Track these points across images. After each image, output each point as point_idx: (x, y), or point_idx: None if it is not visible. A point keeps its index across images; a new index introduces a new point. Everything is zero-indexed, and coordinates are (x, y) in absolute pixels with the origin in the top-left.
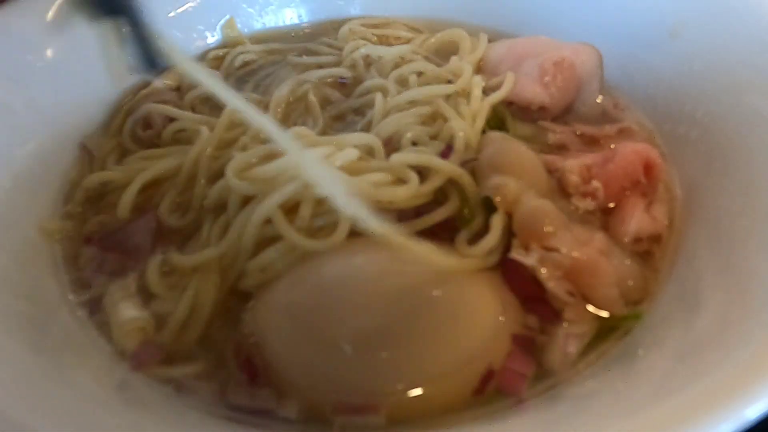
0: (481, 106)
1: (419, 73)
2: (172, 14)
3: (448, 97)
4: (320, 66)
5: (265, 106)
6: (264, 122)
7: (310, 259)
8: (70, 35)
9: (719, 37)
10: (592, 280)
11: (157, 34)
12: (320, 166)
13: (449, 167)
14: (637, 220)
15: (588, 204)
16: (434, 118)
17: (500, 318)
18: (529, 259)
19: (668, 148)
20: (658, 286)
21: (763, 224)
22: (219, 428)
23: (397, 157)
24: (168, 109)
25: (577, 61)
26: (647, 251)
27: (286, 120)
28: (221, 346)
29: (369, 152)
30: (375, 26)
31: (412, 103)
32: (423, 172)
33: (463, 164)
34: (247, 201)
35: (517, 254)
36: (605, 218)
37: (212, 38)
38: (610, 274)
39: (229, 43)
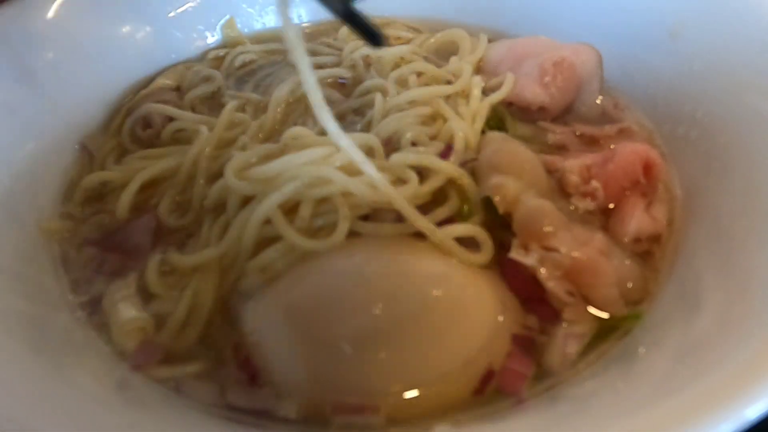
0: (480, 107)
1: (419, 74)
2: (172, 14)
3: (447, 98)
4: (320, 66)
5: (265, 106)
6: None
7: (309, 259)
8: (70, 35)
9: (719, 37)
10: (592, 280)
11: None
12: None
13: (449, 167)
14: (637, 220)
15: (588, 204)
16: (434, 118)
17: (500, 318)
18: (528, 259)
19: (668, 148)
20: (658, 286)
21: (763, 224)
22: (219, 428)
23: (396, 157)
24: (167, 109)
25: (577, 61)
26: (647, 251)
27: (286, 120)
28: (221, 346)
29: (369, 152)
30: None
31: (412, 104)
32: (423, 173)
33: (463, 164)
34: (246, 201)
35: (517, 254)
36: (605, 218)
37: (212, 38)
38: (610, 274)
39: (229, 43)
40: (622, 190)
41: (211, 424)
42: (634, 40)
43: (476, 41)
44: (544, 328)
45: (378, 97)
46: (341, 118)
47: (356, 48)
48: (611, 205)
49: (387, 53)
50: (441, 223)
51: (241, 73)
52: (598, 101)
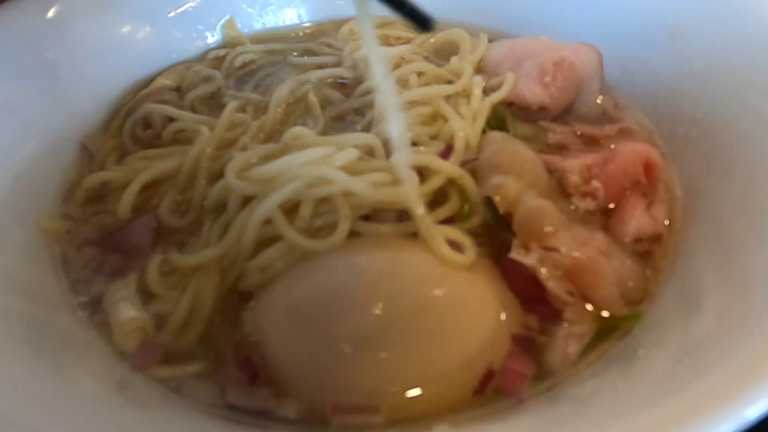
0: (481, 107)
1: (419, 74)
2: (172, 14)
3: (448, 98)
4: (320, 66)
5: (265, 107)
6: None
7: (310, 259)
8: (70, 35)
9: (719, 37)
10: (592, 280)
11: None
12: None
13: (449, 167)
14: (637, 220)
15: (588, 204)
16: (434, 118)
17: (500, 318)
18: (529, 259)
19: (668, 148)
20: (658, 286)
21: (763, 224)
22: (219, 428)
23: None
24: (168, 109)
25: (577, 61)
26: (647, 251)
27: (286, 120)
28: (221, 346)
29: (369, 152)
30: (375, 26)
31: (413, 104)
32: (423, 172)
33: (463, 164)
34: (247, 201)
35: (517, 254)
36: (605, 218)
37: (212, 38)
38: (610, 274)
39: (229, 43)
40: (622, 190)
41: (211, 424)
42: (634, 40)
43: (476, 41)
44: (544, 328)
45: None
46: (341, 118)
47: (356, 48)
48: (611, 205)
49: (387, 53)
50: (441, 223)
51: (241, 73)
52: (598, 101)
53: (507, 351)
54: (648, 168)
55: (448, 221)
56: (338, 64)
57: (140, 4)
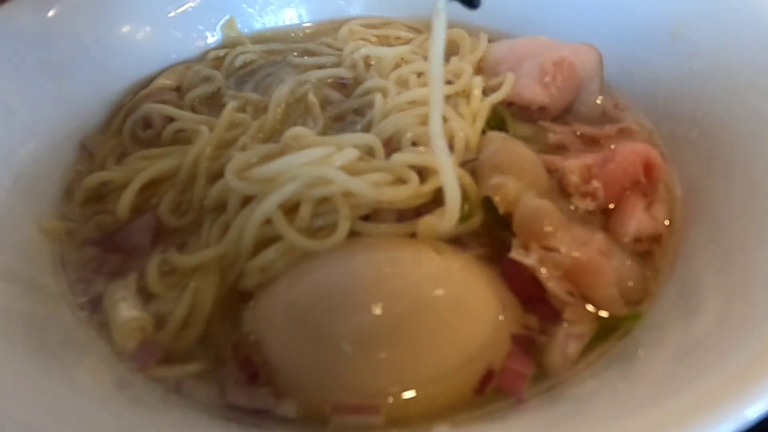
0: (481, 107)
1: (419, 74)
2: (172, 14)
3: (448, 98)
4: (320, 66)
5: (265, 107)
6: None
7: (309, 259)
8: (70, 35)
9: (719, 37)
10: (592, 280)
11: None
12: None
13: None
14: (637, 220)
15: (588, 204)
16: None
17: (500, 318)
18: (529, 259)
19: (668, 148)
20: (658, 286)
21: (762, 224)
22: (218, 428)
23: (397, 157)
24: (168, 109)
25: (577, 61)
26: (647, 251)
27: (286, 120)
28: (221, 346)
29: (369, 152)
30: (375, 26)
31: (412, 104)
32: (423, 172)
33: (463, 164)
34: (247, 201)
35: (517, 254)
36: (605, 218)
37: (212, 38)
38: (610, 274)
39: (229, 43)
40: (622, 190)
41: (210, 424)
42: (634, 40)
43: (476, 41)
44: (544, 328)
45: (378, 98)
46: (341, 118)
47: (356, 48)
48: (611, 205)
49: (387, 53)
50: None
51: (241, 73)
52: (598, 101)
53: (507, 351)
54: (648, 168)
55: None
56: (338, 64)
57: (140, 4)
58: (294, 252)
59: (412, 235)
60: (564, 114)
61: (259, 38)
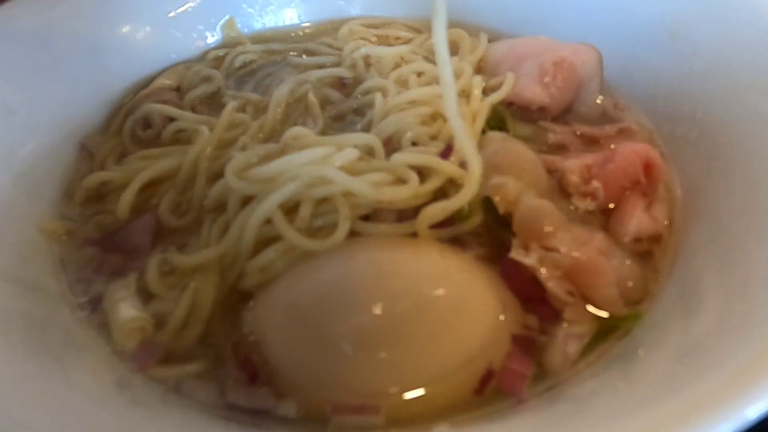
0: (481, 107)
1: (419, 74)
2: (172, 14)
3: None
4: (320, 66)
5: (265, 107)
6: None
7: (309, 259)
8: (70, 35)
9: (719, 37)
10: (592, 280)
11: None
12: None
13: (449, 167)
14: (637, 220)
15: (588, 204)
16: (434, 118)
17: (500, 318)
18: (528, 259)
19: (668, 148)
20: (658, 286)
21: (762, 224)
22: (218, 428)
23: (397, 157)
24: (168, 109)
25: (577, 61)
26: (647, 251)
27: (286, 120)
28: (221, 346)
29: (369, 152)
30: (375, 26)
31: (412, 104)
32: (423, 172)
33: (463, 164)
34: (247, 201)
35: (517, 254)
36: (605, 218)
37: (212, 38)
38: (610, 274)
39: (229, 43)
40: (622, 190)
41: (210, 424)
42: (634, 40)
43: (476, 41)
44: (544, 328)
45: (378, 97)
46: (341, 118)
47: (356, 48)
48: (611, 205)
49: (387, 53)
50: (441, 224)
51: (241, 73)
52: (598, 101)
53: (507, 351)
54: (648, 168)
55: (448, 221)
56: (338, 64)
57: (140, 4)
58: (294, 252)
59: (413, 235)
60: (564, 114)
61: (259, 38)
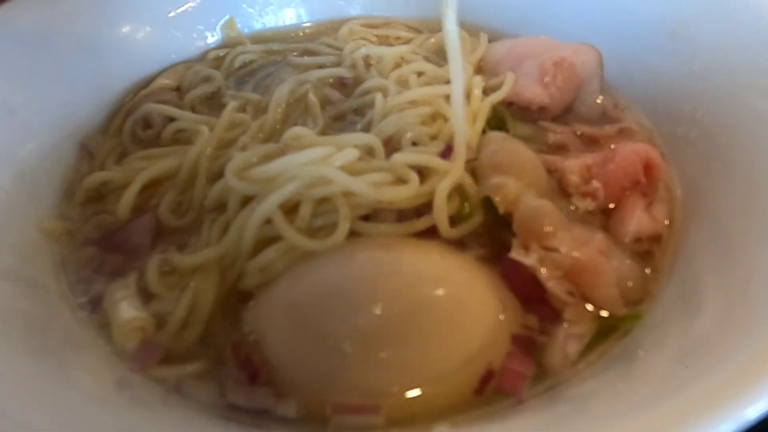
0: (481, 106)
1: (419, 74)
2: (172, 14)
3: (448, 97)
4: (320, 66)
5: (265, 107)
6: None
7: (309, 259)
8: (70, 35)
9: (719, 37)
10: (592, 280)
11: None
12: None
13: (449, 167)
14: (637, 220)
15: (588, 204)
16: (434, 118)
17: (500, 318)
18: (528, 259)
19: (668, 148)
20: (658, 286)
21: (763, 224)
22: (218, 428)
23: (397, 157)
24: (168, 109)
25: (577, 61)
26: (647, 251)
27: (286, 120)
28: (221, 346)
29: (369, 152)
30: (375, 26)
31: (413, 104)
32: (423, 172)
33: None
34: (247, 201)
35: (517, 254)
36: (605, 218)
37: (212, 38)
38: (610, 274)
39: (229, 43)
40: (622, 190)
41: (210, 424)
42: (634, 40)
43: (476, 41)
44: (544, 328)
45: (378, 97)
46: (341, 118)
47: (356, 48)
48: (611, 205)
49: (387, 53)
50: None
51: (241, 73)
52: (598, 101)
53: (507, 351)
54: (648, 168)
55: (448, 221)
56: (338, 64)
57: (140, 4)
58: (294, 252)
59: (413, 236)
60: (564, 114)
61: (259, 38)
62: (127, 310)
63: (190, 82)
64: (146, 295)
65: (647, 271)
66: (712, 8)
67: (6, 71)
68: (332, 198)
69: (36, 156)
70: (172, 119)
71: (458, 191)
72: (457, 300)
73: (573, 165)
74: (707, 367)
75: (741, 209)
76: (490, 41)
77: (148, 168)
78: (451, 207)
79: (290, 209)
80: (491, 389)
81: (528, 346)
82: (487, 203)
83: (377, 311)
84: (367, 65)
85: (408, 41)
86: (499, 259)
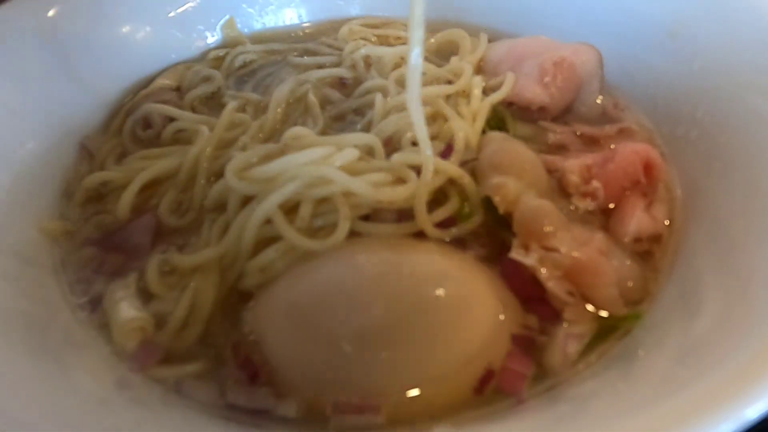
0: (481, 106)
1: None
2: (172, 14)
3: (448, 97)
4: (320, 66)
5: (265, 107)
6: None
7: (309, 259)
8: (70, 35)
9: (719, 37)
10: (592, 280)
11: None
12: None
13: (449, 167)
14: (637, 220)
15: (588, 204)
16: (434, 118)
17: (500, 318)
18: (528, 259)
19: (668, 148)
20: (658, 286)
21: (763, 224)
22: (218, 428)
23: (397, 157)
24: (168, 109)
25: (577, 61)
26: (647, 251)
27: (286, 120)
28: (221, 346)
29: (369, 152)
30: (375, 26)
31: None
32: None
33: (463, 164)
34: (247, 201)
35: (517, 254)
36: (605, 218)
37: (212, 38)
38: (610, 274)
39: (229, 43)
40: (622, 190)
41: (210, 424)
42: (634, 40)
43: (476, 41)
44: (544, 328)
45: (378, 97)
46: (341, 118)
47: (356, 48)
48: (611, 205)
49: (387, 53)
50: (441, 223)
51: (241, 73)
52: (598, 101)
53: (507, 351)
54: (648, 168)
55: (448, 221)
56: (338, 64)
57: (140, 4)
58: (294, 252)
59: (413, 235)
60: (564, 114)
61: (259, 38)
62: (127, 310)
63: (190, 82)
64: (146, 295)
65: (647, 271)
66: (712, 8)
67: (6, 71)
68: (332, 198)
69: (36, 156)
70: (172, 119)
71: (458, 191)
72: (457, 300)
73: (573, 165)
74: (707, 367)
75: (741, 209)
76: (490, 41)
77: (148, 168)
78: (452, 207)
79: (290, 209)
80: (491, 389)
81: (528, 346)
82: (487, 203)
83: (377, 311)
84: (367, 65)
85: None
86: (499, 259)
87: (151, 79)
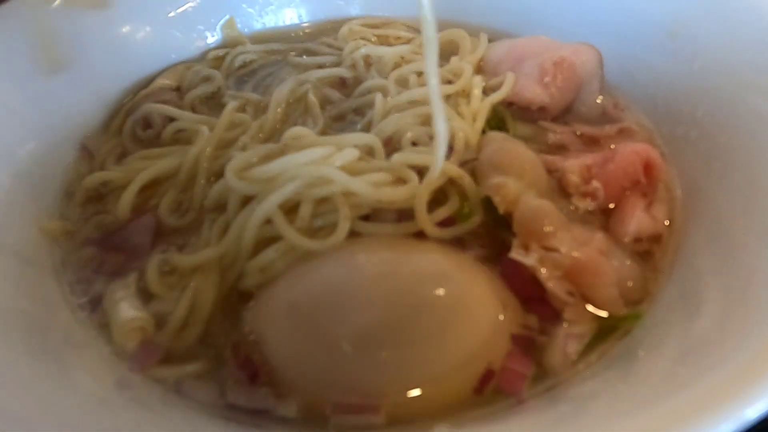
0: (481, 106)
1: (419, 74)
2: (172, 14)
3: (448, 97)
4: (320, 66)
5: (265, 107)
6: None
7: (310, 259)
8: (70, 35)
9: (719, 37)
10: (592, 280)
11: None
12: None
13: (449, 167)
14: (637, 220)
15: (588, 204)
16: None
17: (500, 317)
18: (528, 259)
19: (668, 148)
20: (658, 286)
21: (763, 224)
22: (218, 428)
23: (397, 157)
24: (168, 109)
25: (577, 61)
26: (647, 251)
27: (286, 120)
28: (221, 346)
29: (369, 152)
30: (375, 26)
31: (412, 103)
32: (423, 172)
33: (463, 164)
34: (247, 201)
35: (517, 254)
36: (605, 218)
37: (212, 38)
38: (610, 274)
39: (229, 43)
40: (622, 190)
41: (210, 424)
42: (634, 40)
43: (476, 41)
44: (544, 328)
45: (378, 97)
46: (341, 118)
47: (356, 48)
48: (611, 205)
49: (387, 53)
50: (441, 223)
51: (241, 73)
52: (598, 101)
53: (507, 351)
54: (648, 168)
55: (448, 221)
56: (338, 64)
57: (140, 4)
58: (294, 252)
59: (413, 235)
60: (564, 114)
61: (259, 38)
62: (127, 310)
63: (190, 82)
64: (146, 295)
65: (647, 271)
66: (712, 8)
67: (6, 71)
68: (332, 198)
69: (36, 156)
70: (172, 119)
71: (458, 191)
72: (457, 300)
73: (573, 165)
74: (707, 367)
75: (741, 209)
76: (490, 41)
77: (148, 168)
78: (451, 207)
79: (290, 209)
80: (491, 389)
81: (528, 346)
82: (487, 203)
83: (377, 311)
84: (367, 65)
85: (408, 41)
86: (499, 259)
87: (151, 79)
